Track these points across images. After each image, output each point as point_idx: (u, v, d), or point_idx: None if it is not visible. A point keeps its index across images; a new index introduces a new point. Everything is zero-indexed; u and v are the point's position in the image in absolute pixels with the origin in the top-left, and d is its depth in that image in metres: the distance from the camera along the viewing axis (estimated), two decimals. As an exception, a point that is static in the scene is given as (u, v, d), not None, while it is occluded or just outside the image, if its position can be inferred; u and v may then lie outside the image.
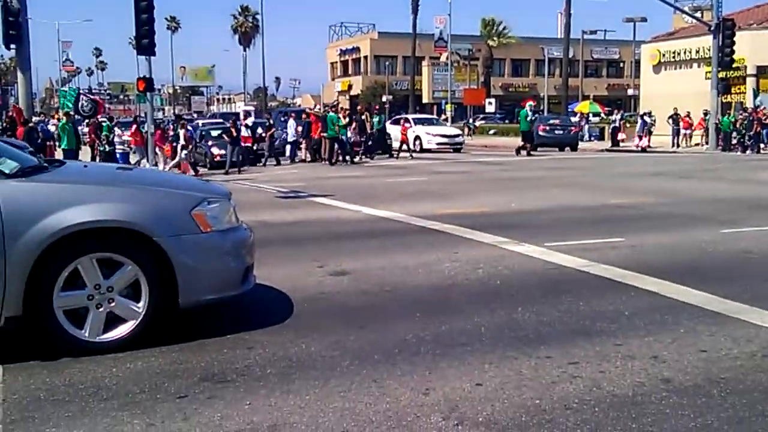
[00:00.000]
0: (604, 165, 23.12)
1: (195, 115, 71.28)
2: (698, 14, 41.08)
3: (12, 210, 4.63)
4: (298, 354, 4.81)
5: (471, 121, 56.09)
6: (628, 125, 37.85)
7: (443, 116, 53.17)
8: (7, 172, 4.86)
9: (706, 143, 33.53)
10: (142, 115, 33.44)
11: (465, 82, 62.58)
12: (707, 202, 12.61)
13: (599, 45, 79.15)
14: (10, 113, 26.40)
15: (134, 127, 25.93)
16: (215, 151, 25.80)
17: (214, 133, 28.04)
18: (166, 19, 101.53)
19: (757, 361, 4.57)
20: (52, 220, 4.68)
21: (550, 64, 68.96)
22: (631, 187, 15.35)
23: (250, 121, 25.54)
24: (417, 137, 33.29)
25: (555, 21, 76.14)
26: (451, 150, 32.84)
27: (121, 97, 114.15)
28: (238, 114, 32.97)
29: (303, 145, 27.36)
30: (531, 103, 33.58)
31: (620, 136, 36.38)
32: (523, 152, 28.94)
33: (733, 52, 32.17)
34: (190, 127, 24.52)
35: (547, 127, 32.96)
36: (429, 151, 32.23)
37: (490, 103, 57.32)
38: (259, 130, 26.89)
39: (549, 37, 75.68)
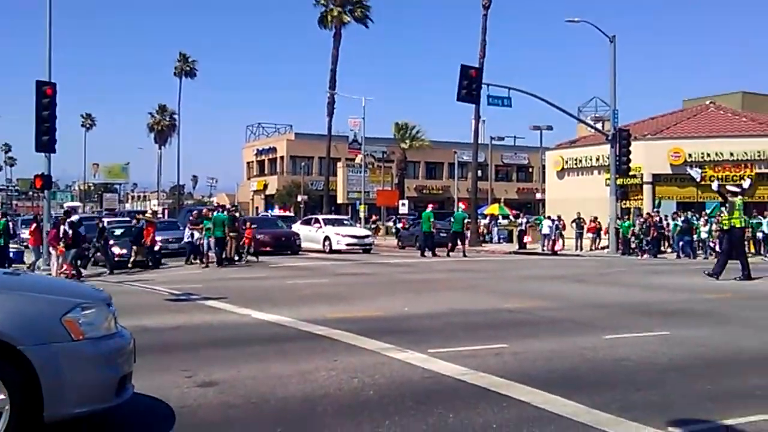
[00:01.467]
0: (507, 267, 23.46)
1: (104, 213, 69.82)
2: (599, 124, 43.29)
3: None
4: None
5: (393, 221, 56.65)
6: (535, 227, 38.92)
7: (374, 217, 54.09)
8: None
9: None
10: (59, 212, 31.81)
11: (379, 184, 63.55)
12: (597, 306, 12.80)
13: (509, 150, 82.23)
14: None
15: (33, 225, 24.92)
16: (116, 250, 25.07)
17: (117, 232, 27.37)
18: (82, 116, 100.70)
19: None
20: None
21: (463, 167, 70.98)
22: (527, 291, 15.52)
23: (75, 217, 22.46)
24: (326, 238, 33.31)
25: (468, 126, 78.97)
26: (361, 251, 32.89)
27: (30, 193, 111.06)
28: (68, 211, 30.99)
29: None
30: (462, 206, 34.22)
31: (526, 238, 37.32)
32: (452, 252, 29.79)
33: (629, 160, 33.79)
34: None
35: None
36: (339, 252, 32.19)
37: (403, 204, 58.16)
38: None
39: (462, 141, 78.12)
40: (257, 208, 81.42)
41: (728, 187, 20.55)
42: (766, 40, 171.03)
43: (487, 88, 32.39)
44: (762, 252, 32.80)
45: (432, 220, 30.70)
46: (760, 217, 33.92)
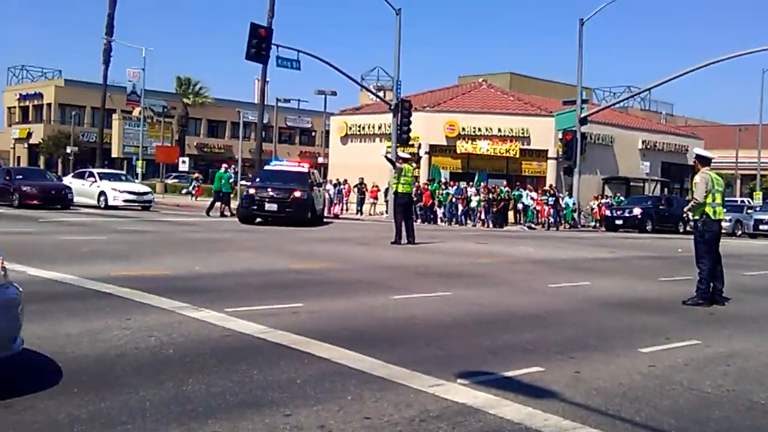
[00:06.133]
0: (293, 230, 23.67)
1: None
2: (381, 93, 44.70)
3: None
4: None
5: (194, 178, 53.81)
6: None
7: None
8: None
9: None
10: None
11: (158, 139, 61.07)
12: (382, 268, 13.41)
13: (293, 113, 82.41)
14: None
15: None
16: None
17: None
18: None
19: (415, 426, 4.79)
20: None
21: (246, 127, 70.06)
22: (314, 253, 15.85)
23: None
24: (102, 193, 31.60)
25: (252, 86, 78.11)
26: (140, 208, 31.58)
27: None
28: None
29: None
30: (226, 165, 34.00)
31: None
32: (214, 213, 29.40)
33: (410, 130, 35.33)
34: None
35: None
36: (115, 208, 30.68)
37: (183, 161, 56.45)
38: None
39: (246, 101, 77.03)
40: (19, 158, 75.01)
41: (400, 154, 22.00)
42: (532, 26, 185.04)
43: (276, 49, 32.21)
44: (522, 222, 35.97)
45: (224, 180, 30.47)
46: (521, 189, 37.14)
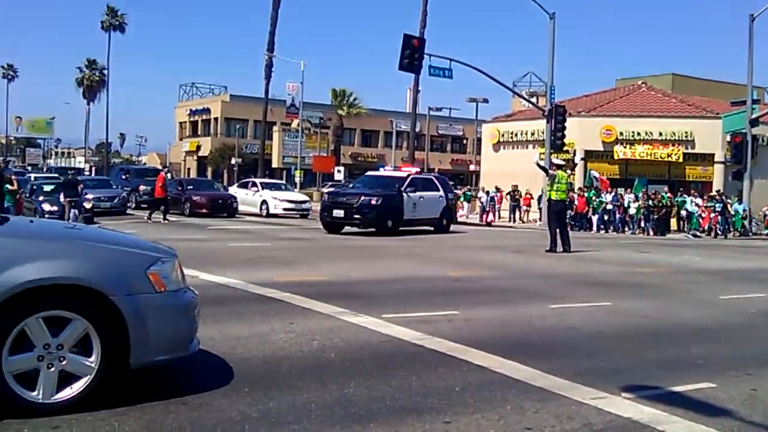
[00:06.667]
0: (445, 237, 23.78)
1: (29, 168, 67.86)
2: (534, 99, 43.97)
3: None
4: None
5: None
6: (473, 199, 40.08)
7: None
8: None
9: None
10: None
11: (315, 150, 63.27)
12: (538, 276, 13.16)
13: (444, 121, 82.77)
14: None
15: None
16: (46, 207, 24.43)
17: (47, 188, 26.72)
18: (2, 67, 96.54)
19: (578, 438, 4.67)
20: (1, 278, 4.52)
21: (398, 136, 71.26)
22: (469, 260, 15.82)
23: None
24: (264, 202, 33.14)
25: (403, 96, 79.44)
26: (298, 216, 32.82)
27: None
28: (79, 169, 30.49)
29: None
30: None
31: (460, 211, 37.82)
32: None
33: (564, 136, 34.42)
34: None
35: None
36: (276, 216, 32.08)
37: (339, 171, 58.08)
38: None
39: (397, 110, 78.27)
40: (189, 169, 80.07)
41: (554, 161, 21.13)
42: (695, 23, 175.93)
43: (428, 59, 32.42)
44: (685, 229, 34.15)
45: None
46: (684, 195, 35.28)
